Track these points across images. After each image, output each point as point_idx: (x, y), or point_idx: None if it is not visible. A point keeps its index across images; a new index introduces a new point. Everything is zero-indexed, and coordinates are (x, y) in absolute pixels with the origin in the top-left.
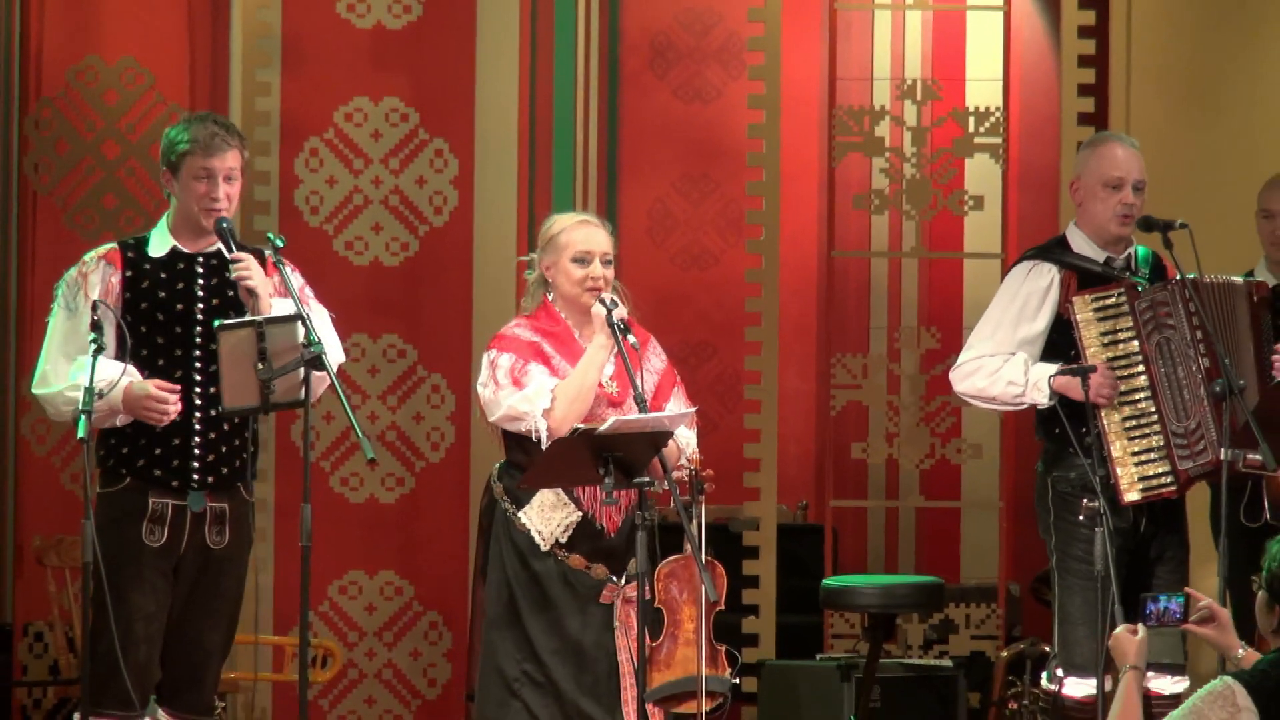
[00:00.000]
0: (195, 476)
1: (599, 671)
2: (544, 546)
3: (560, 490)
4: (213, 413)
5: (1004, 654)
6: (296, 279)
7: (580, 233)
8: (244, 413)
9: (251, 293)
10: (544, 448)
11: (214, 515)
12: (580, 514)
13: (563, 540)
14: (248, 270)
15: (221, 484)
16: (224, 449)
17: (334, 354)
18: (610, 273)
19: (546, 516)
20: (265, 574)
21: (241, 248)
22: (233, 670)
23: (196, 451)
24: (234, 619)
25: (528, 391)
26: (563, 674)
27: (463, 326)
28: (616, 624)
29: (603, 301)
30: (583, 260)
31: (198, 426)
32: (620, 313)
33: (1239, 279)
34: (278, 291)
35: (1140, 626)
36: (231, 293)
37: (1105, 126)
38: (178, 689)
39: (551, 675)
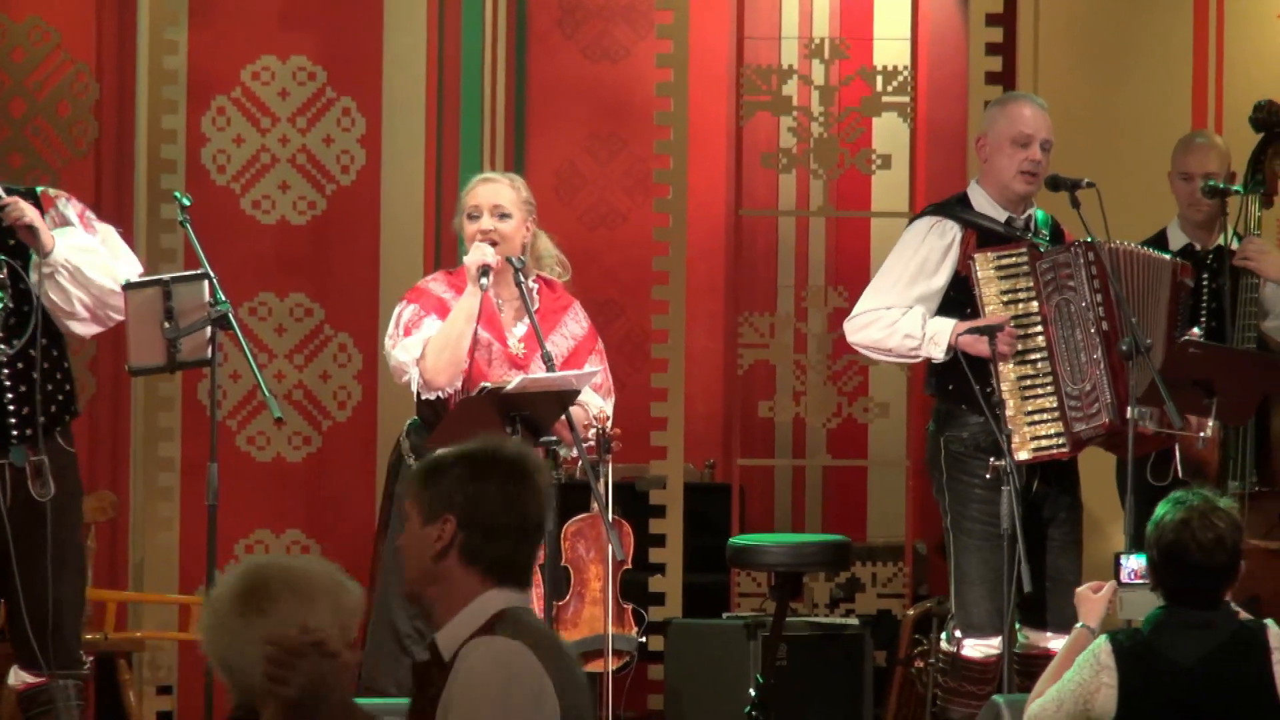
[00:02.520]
0: (14, 432)
1: None
2: None
3: None
4: (19, 365)
5: (910, 612)
6: (74, 206)
7: (475, 189)
8: (150, 371)
9: (30, 229)
10: (418, 399)
11: (34, 468)
12: None
13: None
14: (19, 210)
15: (39, 434)
16: (39, 398)
17: (126, 267)
18: (507, 225)
19: None
20: (171, 533)
21: (11, 191)
22: (139, 629)
23: (10, 406)
24: (81, 570)
25: (407, 341)
26: None
27: (370, 285)
28: None
29: (510, 261)
30: (473, 215)
31: (6, 381)
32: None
33: (1167, 255)
34: (56, 222)
35: (1110, 584)
36: (13, 240)
37: (1013, 86)
38: (34, 645)
39: None
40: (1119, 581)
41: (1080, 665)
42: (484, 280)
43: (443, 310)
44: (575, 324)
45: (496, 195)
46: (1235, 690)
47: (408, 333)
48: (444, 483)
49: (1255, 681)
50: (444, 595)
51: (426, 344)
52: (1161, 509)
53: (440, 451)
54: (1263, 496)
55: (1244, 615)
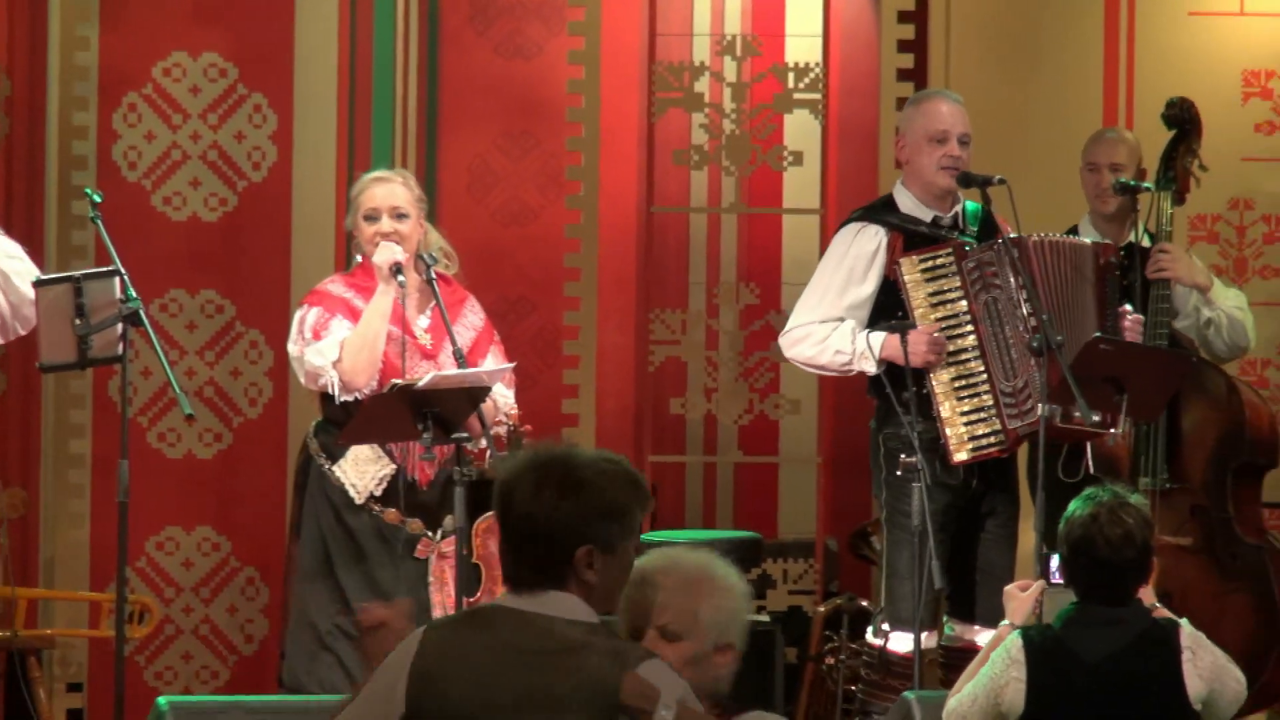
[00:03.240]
0: None
1: (413, 627)
2: (358, 500)
3: (374, 444)
4: None
5: (821, 609)
6: None
7: (369, 191)
8: (61, 368)
9: None
10: (336, 401)
11: None
12: (394, 467)
13: (377, 494)
14: None
15: None
16: None
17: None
18: (405, 225)
19: (361, 470)
20: (82, 530)
21: None
22: (49, 626)
23: None
24: None
25: (320, 345)
26: None
27: (281, 282)
28: (431, 579)
29: (422, 257)
30: (371, 217)
31: None
32: (438, 268)
33: (1087, 241)
34: None
35: (1039, 583)
36: None
37: (924, 83)
38: None
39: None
40: (1048, 581)
41: (993, 660)
42: (401, 279)
43: (347, 311)
44: (473, 315)
45: (393, 196)
46: (1142, 688)
47: (316, 336)
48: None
49: (1163, 680)
50: None
51: (342, 346)
52: (1073, 505)
53: None
54: (1174, 493)
55: (1164, 613)
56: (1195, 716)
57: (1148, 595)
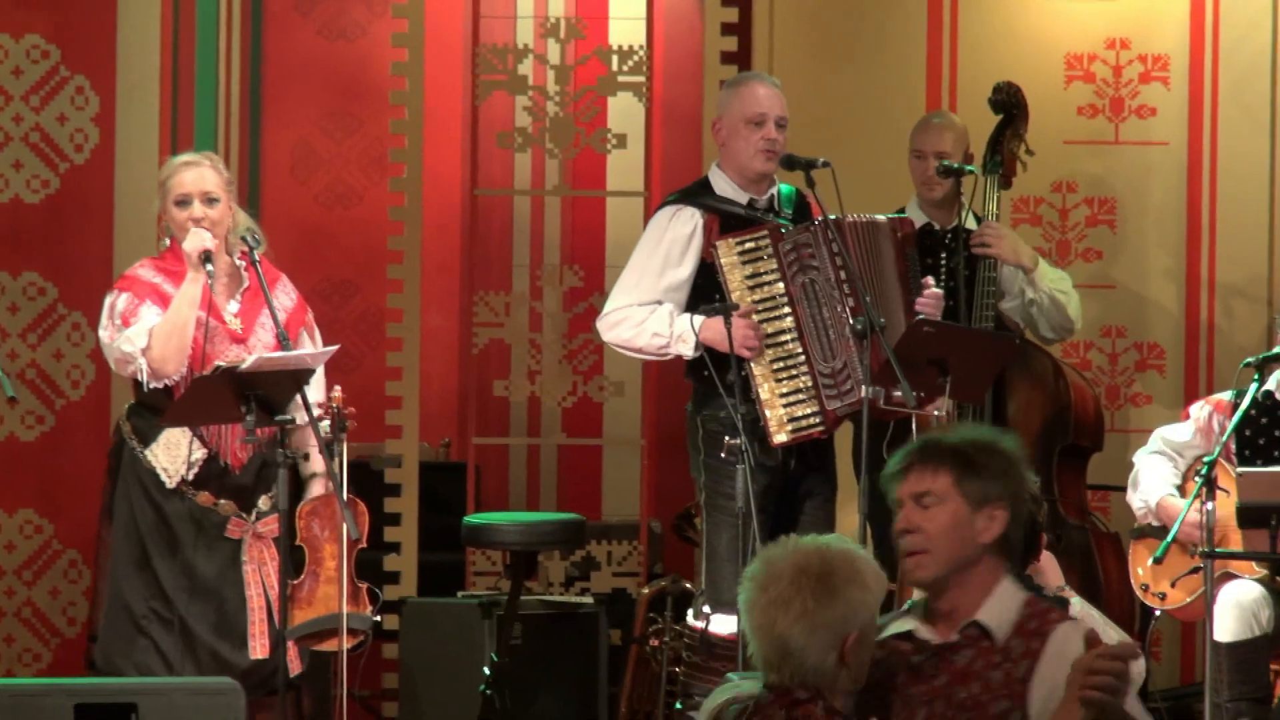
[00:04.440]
0: None
1: (227, 609)
2: (170, 484)
3: (187, 428)
4: None
5: (645, 591)
6: None
7: (179, 176)
8: None
9: None
10: (146, 389)
11: None
12: (206, 451)
13: (189, 478)
14: None
15: None
16: None
17: None
18: (216, 210)
19: (173, 454)
20: None
21: None
22: None
23: None
24: None
25: (130, 332)
26: (191, 611)
27: (104, 264)
28: (246, 559)
29: (244, 239)
30: (182, 202)
31: None
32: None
33: (882, 217)
34: None
35: None
36: None
37: (748, 65)
38: None
39: (179, 613)
40: None
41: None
42: (209, 266)
43: (157, 296)
44: (285, 296)
45: (203, 181)
46: None
47: (125, 322)
48: (991, 472)
49: None
50: (964, 581)
51: (151, 333)
52: None
53: (966, 439)
54: None
55: (1068, 593)
56: None
57: (1055, 575)
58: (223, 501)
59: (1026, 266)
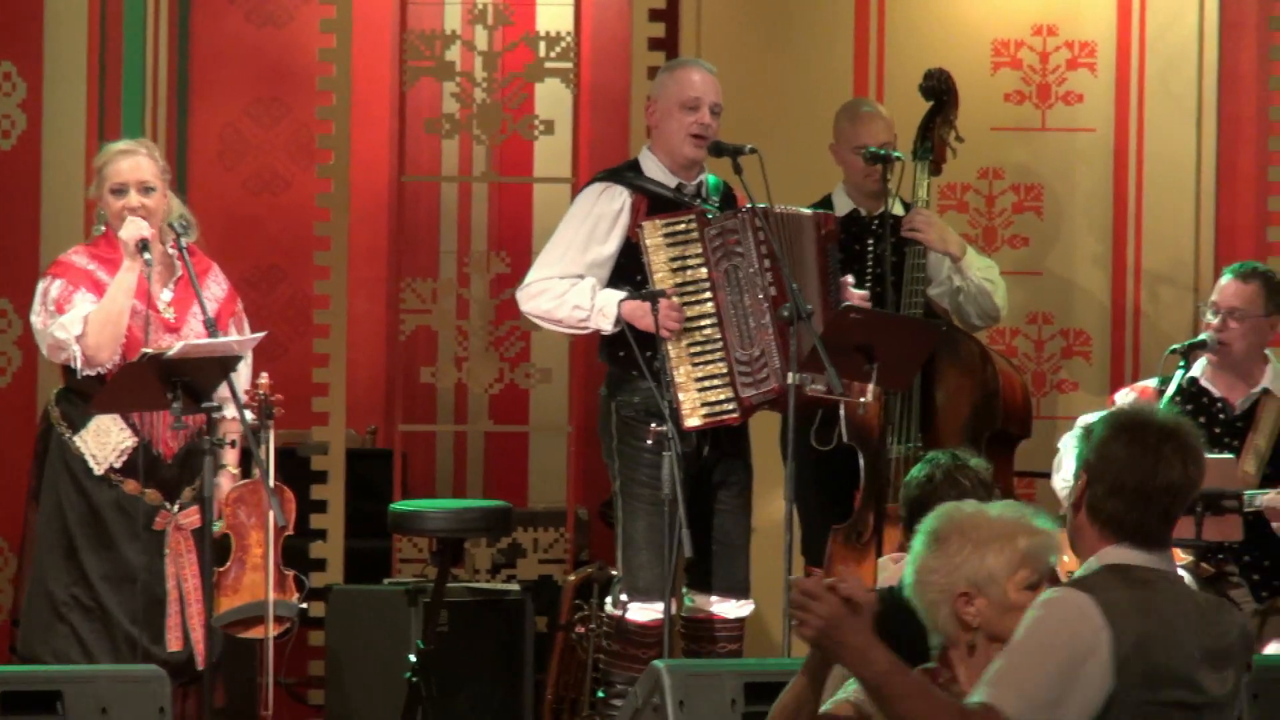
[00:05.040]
0: None
1: (148, 598)
2: (98, 471)
3: (118, 415)
4: None
5: (572, 578)
6: None
7: (115, 164)
8: None
9: None
10: (79, 376)
11: None
12: (136, 439)
13: (117, 465)
14: None
15: None
16: None
17: None
18: (152, 199)
19: (101, 441)
20: None
21: None
22: None
23: None
24: None
25: (64, 319)
26: (112, 600)
27: (30, 251)
28: (167, 551)
29: (173, 226)
30: (119, 191)
31: None
32: (188, 238)
33: (807, 211)
34: None
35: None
36: None
37: (676, 52)
38: None
39: (101, 600)
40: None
41: None
42: (147, 255)
43: (91, 283)
44: (216, 285)
45: (140, 170)
46: None
47: (60, 309)
48: (1088, 442)
49: None
50: (1080, 549)
51: (86, 320)
52: (914, 469)
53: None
54: None
55: None
56: None
57: None
58: (149, 491)
59: (954, 254)
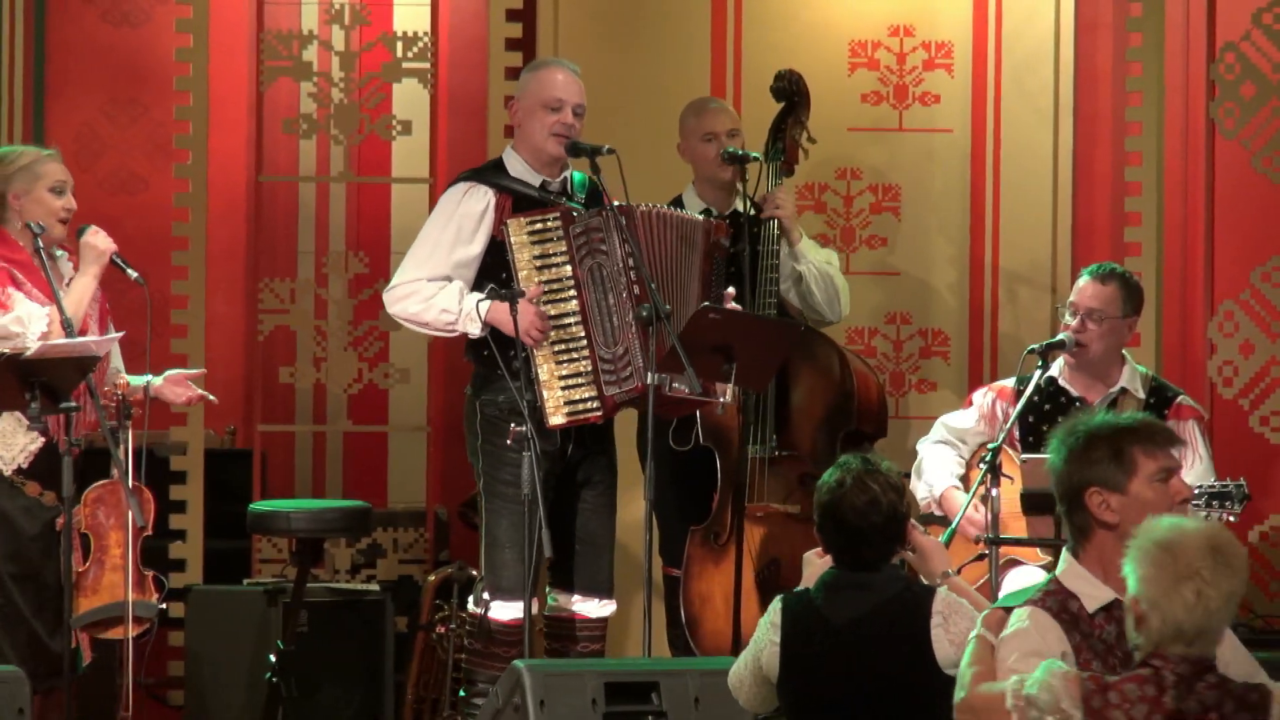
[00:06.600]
0: None
1: (47, 595)
2: (6, 472)
3: (20, 415)
4: None
5: (432, 578)
6: None
7: (49, 165)
8: None
9: None
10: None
11: None
12: (44, 440)
13: (24, 466)
14: None
15: None
16: None
17: None
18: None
19: (8, 442)
20: None
21: None
22: None
23: None
24: None
25: (20, 313)
26: (21, 600)
27: None
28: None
29: (30, 226)
30: (59, 190)
31: None
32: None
33: (700, 217)
34: None
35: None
36: None
37: (534, 52)
38: None
39: (13, 599)
40: None
41: (760, 624)
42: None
43: (13, 282)
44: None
45: (66, 171)
46: (887, 652)
47: (4, 307)
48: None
49: (909, 644)
50: None
51: (50, 317)
52: (826, 474)
53: None
54: (783, 461)
55: (956, 583)
56: (949, 681)
57: (940, 561)
58: (47, 492)
59: (793, 240)
